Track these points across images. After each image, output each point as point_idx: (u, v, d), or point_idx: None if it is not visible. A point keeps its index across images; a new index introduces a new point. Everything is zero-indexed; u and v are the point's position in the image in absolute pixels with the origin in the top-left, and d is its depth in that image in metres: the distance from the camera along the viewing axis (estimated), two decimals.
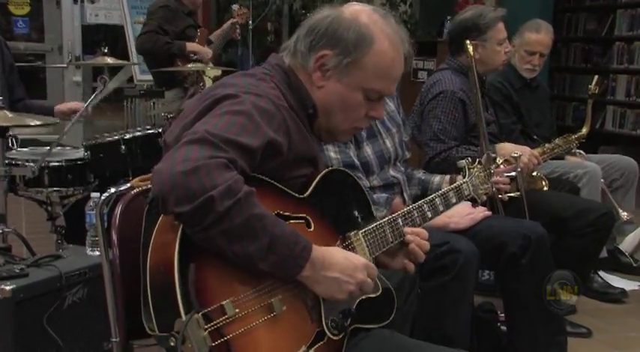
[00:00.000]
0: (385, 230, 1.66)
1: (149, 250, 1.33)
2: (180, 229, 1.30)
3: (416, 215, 1.76)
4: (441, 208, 1.87)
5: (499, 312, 2.84)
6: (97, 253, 2.38)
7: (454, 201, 1.96)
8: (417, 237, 1.69)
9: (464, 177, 2.03)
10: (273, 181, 1.46)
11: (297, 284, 1.42)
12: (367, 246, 1.61)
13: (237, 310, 1.29)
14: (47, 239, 3.36)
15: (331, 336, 1.48)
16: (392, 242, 1.67)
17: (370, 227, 1.64)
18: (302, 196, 1.53)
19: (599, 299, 3.58)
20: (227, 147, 1.32)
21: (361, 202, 1.70)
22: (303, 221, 1.50)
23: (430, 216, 1.81)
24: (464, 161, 2.10)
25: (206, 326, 1.25)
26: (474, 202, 2.11)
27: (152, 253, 1.33)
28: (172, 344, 1.25)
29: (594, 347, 3.08)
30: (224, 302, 1.28)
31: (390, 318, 1.68)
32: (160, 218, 1.35)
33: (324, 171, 1.61)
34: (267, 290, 1.37)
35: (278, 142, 1.44)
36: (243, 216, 1.28)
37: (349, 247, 1.58)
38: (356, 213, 1.66)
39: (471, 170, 2.07)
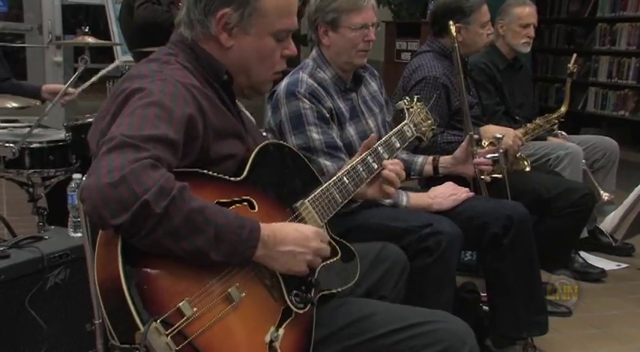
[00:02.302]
0: (332, 192, 1.68)
1: (95, 267, 1.29)
2: (120, 238, 1.26)
3: (361, 169, 1.80)
4: (385, 156, 1.90)
5: (481, 292, 2.86)
6: (79, 234, 2.36)
7: (398, 145, 1.99)
8: (391, 165, 1.81)
9: (403, 119, 2.04)
10: (204, 171, 1.44)
11: (252, 267, 1.42)
12: (317, 213, 1.62)
13: (195, 309, 1.27)
14: (29, 220, 3.34)
15: (298, 311, 1.49)
16: (341, 202, 1.70)
17: (315, 193, 1.64)
18: (239, 179, 1.51)
19: (579, 278, 3.59)
20: (147, 145, 1.29)
21: (302, 170, 1.70)
22: (246, 203, 1.48)
23: (376, 167, 1.84)
24: (401, 102, 2.10)
25: (166, 332, 1.22)
26: (420, 141, 2.11)
27: (97, 270, 1.29)
28: None
29: (574, 325, 3.11)
30: (180, 304, 1.26)
31: (356, 278, 1.70)
32: (99, 231, 1.32)
33: (257, 148, 1.59)
34: (223, 281, 1.36)
35: (194, 118, 1.41)
36: (183, 213, 1.26)
37: (298, 218, 1.58)
38: (299, 183, 1.66)
39: (410, 110, 2.07)
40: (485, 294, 2.79)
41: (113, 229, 1.25)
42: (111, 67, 4.97)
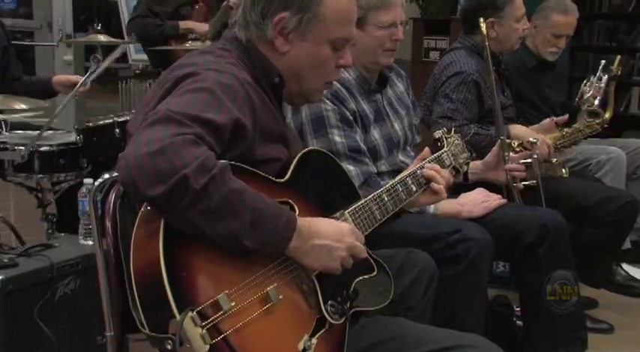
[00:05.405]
0: (371, 207, 1.71)
1: (130, 251, 1.31)
2: (162, 224, 1.29)
3: (400, 189, 1.83)
4: (423, 181, 1.92)
5: (515, 306, 2.86)
6: (91, 242, 2.39)
7: None
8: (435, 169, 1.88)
9: (442, 148, 2.08)
10: (249, 167, 1.46)
11: (291, 270, 1.45)
12: (355, 225, 1.64)
13: (232, 303, 1.29)
14: (37, 227, 3.37)
15: (332, 321, 1.50)
16: (380, 219, 1.73)
17: (356, 206, 1.67)
18: (282, 180, 1.55)
19: (621, 293, 3.58)
20: (192, 123, 1.31)
21: (343, 181, 1.74)
22: (287, 206, 1.50)
23: (414, 189, 1.88)
24: (439, 131, 2.14)
25: (202, 324, 1.24)
26: (457, 172, 2.15)
27: (135, 254, 1.31)
28: (169, 347, 1.24)
29: (617, 343, 3.08)
30: (218, 297, 1.28)
31: (390, 298, 1.71)
32: (139, 214, 1.34)
33: (301, 153, 1.63)
34: (261, 279, 1.38)
35: (242, 122, 1.44)
36: (222, 193, 1.28)
37: None
38: (339, 193, 1.69)
39: (449, 139, 2.12)
40: (519, 308, 2.78)
41: (146, 200, 1.28)
42: (116, 54, 5.00)
